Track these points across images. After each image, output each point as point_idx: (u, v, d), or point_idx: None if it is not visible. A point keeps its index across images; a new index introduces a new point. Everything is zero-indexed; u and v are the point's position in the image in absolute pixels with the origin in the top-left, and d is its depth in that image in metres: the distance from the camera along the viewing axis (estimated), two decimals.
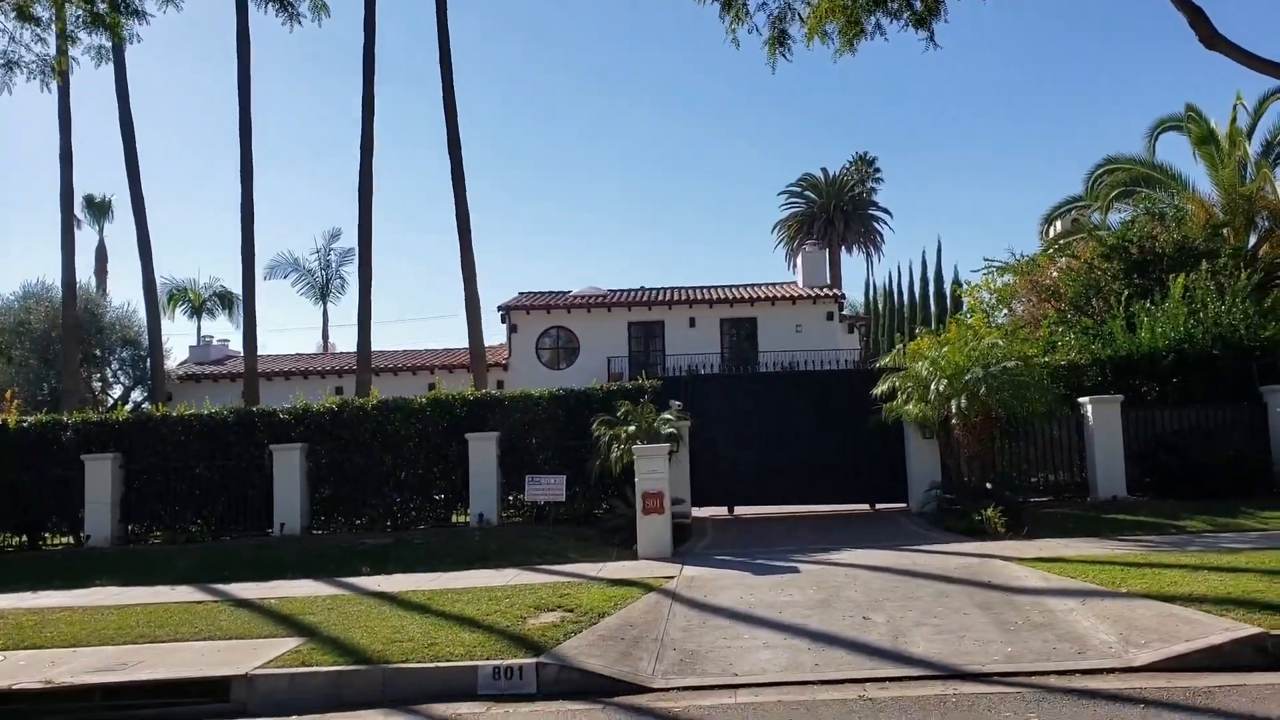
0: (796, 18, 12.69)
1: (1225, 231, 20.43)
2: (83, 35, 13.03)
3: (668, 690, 6.07)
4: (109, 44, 14.59)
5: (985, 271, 19.70)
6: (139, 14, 12.25)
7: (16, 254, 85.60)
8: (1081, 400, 12.95)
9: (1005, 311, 19.95)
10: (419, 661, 6.44)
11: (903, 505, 13.13)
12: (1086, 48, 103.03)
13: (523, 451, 13.15)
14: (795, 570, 9.35)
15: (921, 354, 11.86)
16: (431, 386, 26.61)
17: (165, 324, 28.81)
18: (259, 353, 34.59)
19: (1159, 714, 5.05)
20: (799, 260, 31.84)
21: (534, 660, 6.35)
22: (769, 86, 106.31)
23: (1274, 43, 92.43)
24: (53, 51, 12.67)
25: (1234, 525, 10.56)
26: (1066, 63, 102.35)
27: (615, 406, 12.40)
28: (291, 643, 7.07)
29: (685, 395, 13.34)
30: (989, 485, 11.30)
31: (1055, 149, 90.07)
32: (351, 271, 57.55)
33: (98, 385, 30.41)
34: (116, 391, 31.14)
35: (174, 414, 13.60)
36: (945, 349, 11.57)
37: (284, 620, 7.92)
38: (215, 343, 33.62)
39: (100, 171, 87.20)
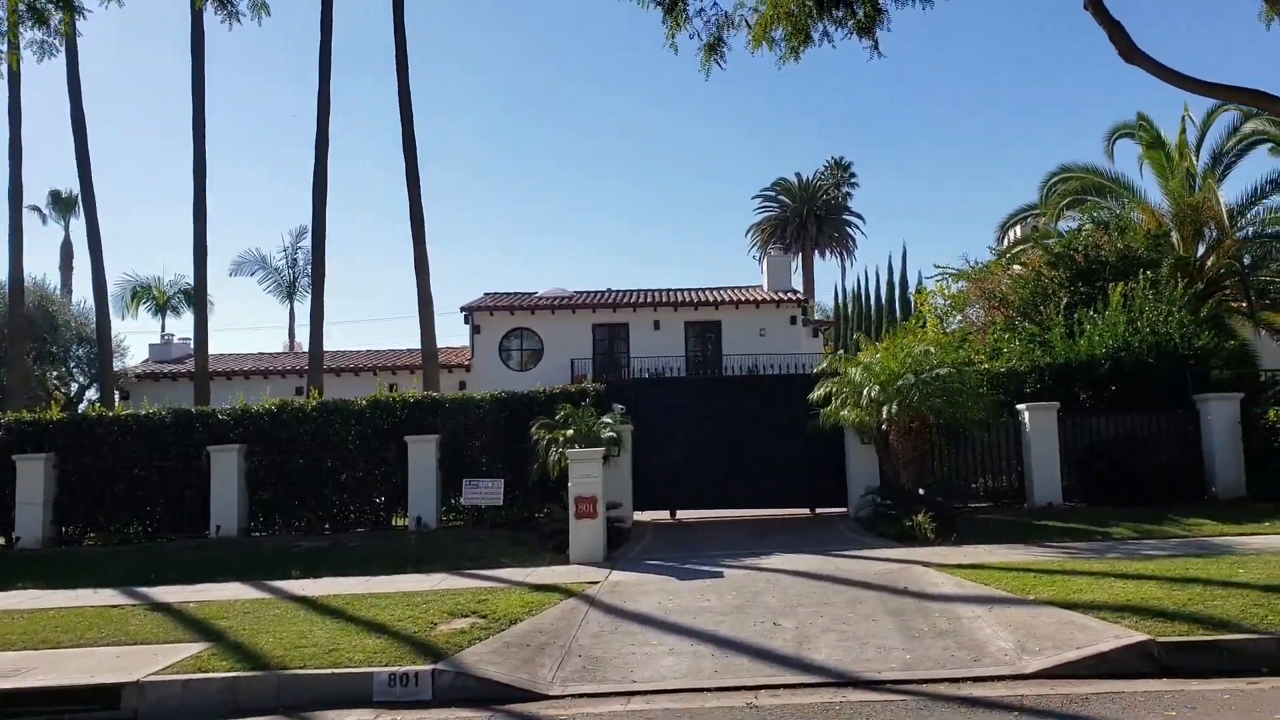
0: (744, 24, 12.78)
1: (1174, 240, 20.77)
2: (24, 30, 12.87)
3: (562, 698, 6.07)
4: (53, 39, 14.40)
5: (939, 278, 19.87)
6: (76, 9, 12.07)
7: None
8: (1020, 407, 13.08)
9: (959, 318, 20.16)
10: (317, 667, 6.40)
11: (843, 510, 13.20)
12: (1068, 49, 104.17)
13: (464, 455, 13.11)
14: (720, 575, 9.38)
15: (857, 360, 11.94)
16: (393, 387, 26.52)
17: (129, 322, 28.59)
18: (219, 352, 34.34)
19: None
20: (764, 264, 31.93)
21: (430, 667, 6.32)
22: (748, 88, 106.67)
23: (1212, 57, 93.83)
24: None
25: (1158, 532, 10.71)
26: (1047, 65, 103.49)
27: (557, 410, 12.39)
28: (195, 648, 7.00)
29: (630, 399, 13.35)
30: (922, 491, 11.38)
31: (1031, 153, 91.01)
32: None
33: (55, 383, 30.02)
34: (74, 390, 30.77)
35: (110, 414, 13.44)
36: (879, 355, 11.65)
37: (195, 625, 7.85)
38: (178, 341, 33.26)
39: (70, 167, 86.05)
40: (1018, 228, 25.06)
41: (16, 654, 7.13)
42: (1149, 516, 11.52)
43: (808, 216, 57.72)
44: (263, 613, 8.17)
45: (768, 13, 12.36)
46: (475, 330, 28.75)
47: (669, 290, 30.51)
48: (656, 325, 29.00)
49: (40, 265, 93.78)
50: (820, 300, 55.91)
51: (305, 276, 42.83)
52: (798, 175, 59.72)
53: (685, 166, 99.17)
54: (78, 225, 62.44)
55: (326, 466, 13.01)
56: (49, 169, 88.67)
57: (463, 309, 28.76)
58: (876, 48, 12.63)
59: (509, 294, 30.93)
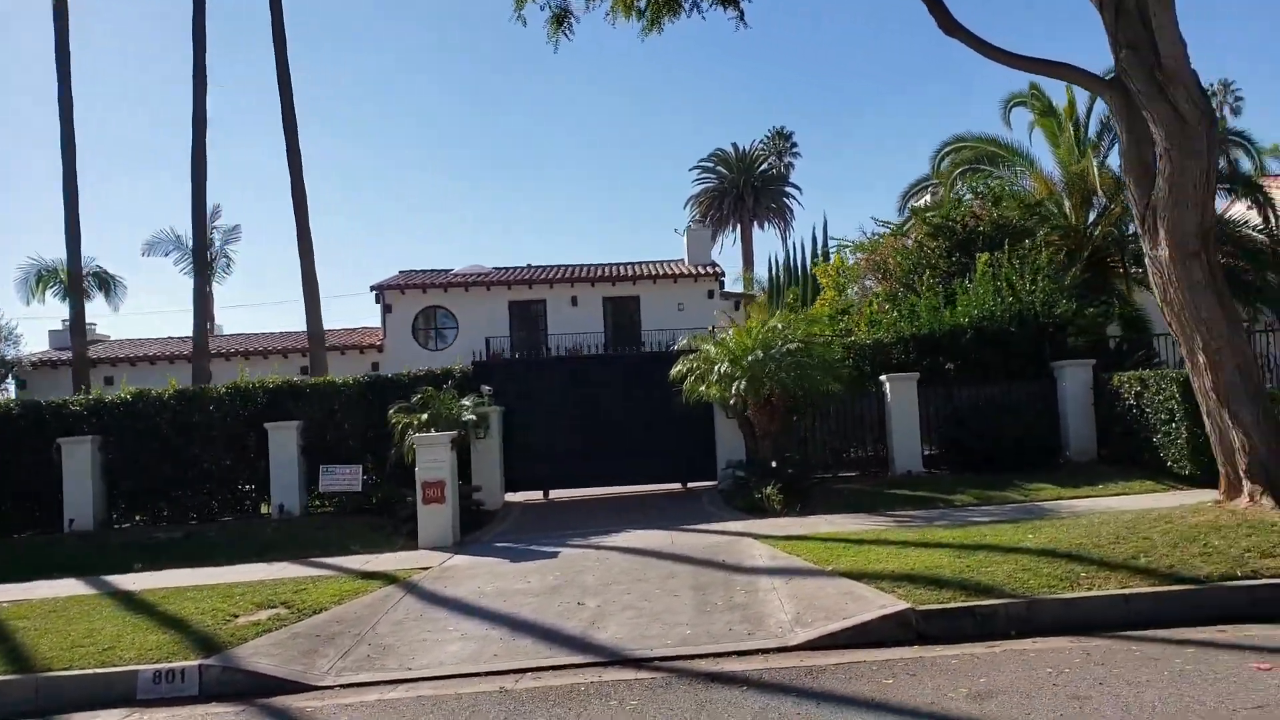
0: None
1: (1067, 209, 21.18)
2: None
3: (330, 688, 6.06)
4: None
5: (837, 250, 20.04)
6: None
7: None
8: (882, 378, 13.29)
9: (856, 289, 20.40)
10: (84, 668, 6.30)
11: (714, 484, 13.35)
12: (977, 15, 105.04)
13: (329, 440, 12.97)
14: (555, 555, 9.43)
15: (709, 337, 12.03)
16: (305, 370, 26.10)
17: (35, 306, 27.47)
18: (129, 336, 33.48)
19: (746, 694, 5.23)
20: (684, 237, 31.94)
21: (198, 662, 6.27)
22: (690, 56, 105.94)
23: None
24: None
25: (998, 498, 11.00)
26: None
27: (423, 393, 12.28)
28: None
29: (500, 380, 13.30)
30: (775, 464, 11.54)
31: (954, 123, 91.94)
32: (237, 250, 55.98)
33: None
34: None
35: None
36: (732, 331, 11.75)
37: None
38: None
39: None
40: (924, 197, 25.39)
41: None
42: (997, 483, 11.82)
43: (745, 187, 57.77)
44: (70, 610, 8.01)
45: None
46: (387, 310, 28.41)
47: (586, 265, 30.41)
48: (574, 301, 28.93)
49: None
50: (759, 273, 56.19)
51: (224, 257, 41.98)
52: (734, 146, 59.61)
53: (626, 143, 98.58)
54: None
55: (188, 455, 12.78)
56: None
57: (373, 288, 28.39)
58: (742, 18, 12.61)
59: (424, 272, 30.57)
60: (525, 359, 14.59)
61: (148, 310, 75.96)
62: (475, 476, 12.54)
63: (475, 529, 11.49)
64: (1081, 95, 21.93)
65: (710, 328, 13.67)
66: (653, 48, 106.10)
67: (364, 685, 6.09)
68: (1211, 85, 54.19)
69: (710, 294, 29.32)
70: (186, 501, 12.89)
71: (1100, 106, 22.19)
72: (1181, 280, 8.01)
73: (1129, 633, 6.02)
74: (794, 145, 65.48)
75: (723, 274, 29.81)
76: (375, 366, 26.64)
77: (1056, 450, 13.24)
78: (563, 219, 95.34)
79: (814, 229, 74.80)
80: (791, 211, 58.98)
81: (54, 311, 54.88)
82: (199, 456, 12.81)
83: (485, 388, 12.85)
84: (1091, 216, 21.51)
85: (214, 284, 42.34)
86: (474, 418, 12.02)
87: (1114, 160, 22.14)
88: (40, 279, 37.06)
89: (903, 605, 6.40)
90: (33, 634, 7.21)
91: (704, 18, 14.37)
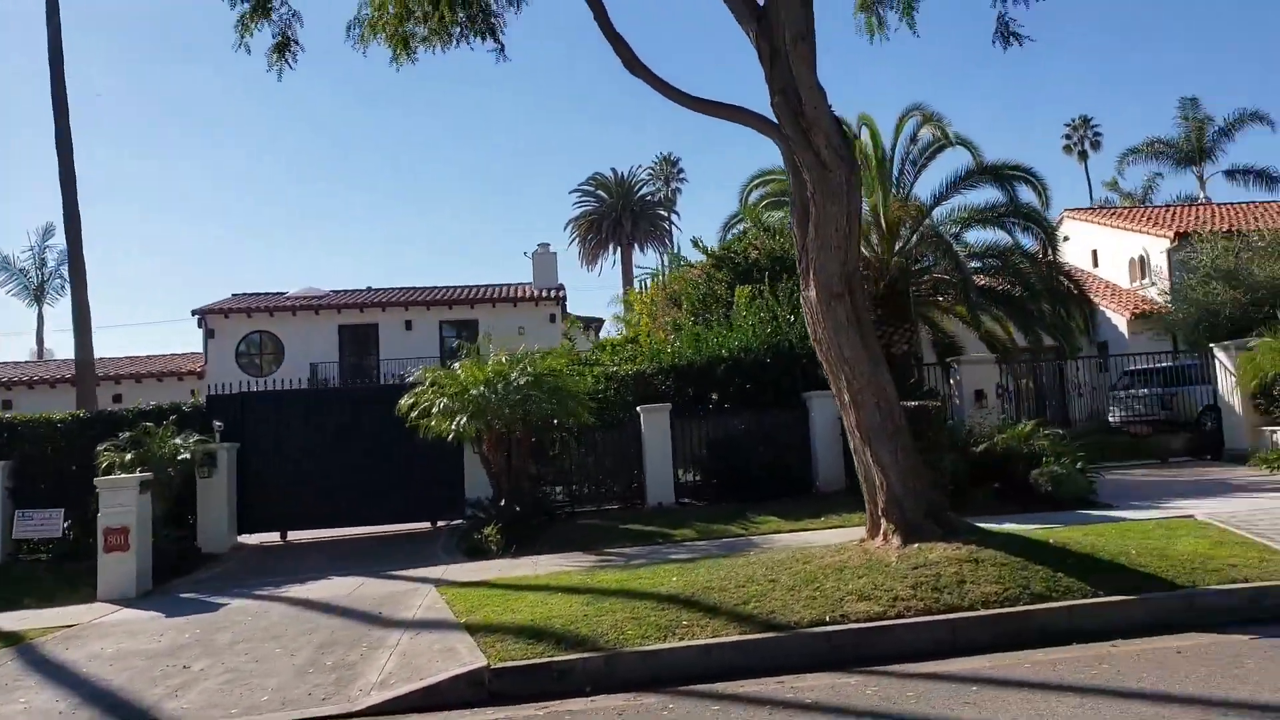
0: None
1: (874, 240, 21.80)
2: None
3: None
4: None
5: (641, 280, 20.08)
6: None
7: None
8: (638, 409, 13.24)
9: (665, 318, 20.50)
10: None
11: (461, 521, 12.99)
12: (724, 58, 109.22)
13: (45, 482, 12.08)
14: (220, 608, 8.91)
15: (435, 370, 11.74)
16: (117, 398, 24.62)
17: None
18: None
19: None
20: (531, 260, 31.62)
21: None
22: (588, 79, 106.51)
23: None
24: None
25: (720, 533, 10.99)
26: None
27: (136, 430, 11.56)
28: None
29: (236, 413, 12.67)
30: (503, 502, 11.28)
31: None
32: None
33: None
34: None
35: None
36: (457, 365, 11.51)
37: None
38: None
39: None
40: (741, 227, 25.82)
41: None
42: (733, 515, 11.86)
43: (624, 211, 58.01)
44: None
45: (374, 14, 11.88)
46: (209, 335, 27.10)
47: (422, 288, 29.76)
48: (409, 325, 28.23)
49: None
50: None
51: (58, 278, 39.60)
52: (614, 170, 59.96)
53: (514, 165, 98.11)
54: None
55: None
56: None
57: (195, 312, 27.06)
58: (502, 51, 12.44)
59: (255, 295, 29.36)
60: (266, 391, 13.88)
61: None
62: (201, 517, 11.87)
63: (180, 575, 10.81)
64: (886, 131, 22.74)
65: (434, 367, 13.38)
66: (555, 65, 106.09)
67: None
68: (1073, 120, 56.54)
69: (552, 318, 29.06)
70: None
71: (903, 142, 23.11)
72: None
73: (703, 685, 5.94)
74: (680, 171, 66.25)
75: (565, 297, 29.60)
76: (194, 394, 25.35)
77: (808, 481, 13.43)
78: (443, 245, 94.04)
79: (661, 257, 75.69)
80: (671, 236, 59.37)
81: None
82: None
83: (217, 423, 12.21)
84: (899, 247, 22.31)
85: (46, 306, 40.01)
86: (190, 456, 11.36)
87: (922, 191, 23.07)
88: None
89: (478, 663, 6.17)
90: None
91: (472, 48, 14.12)
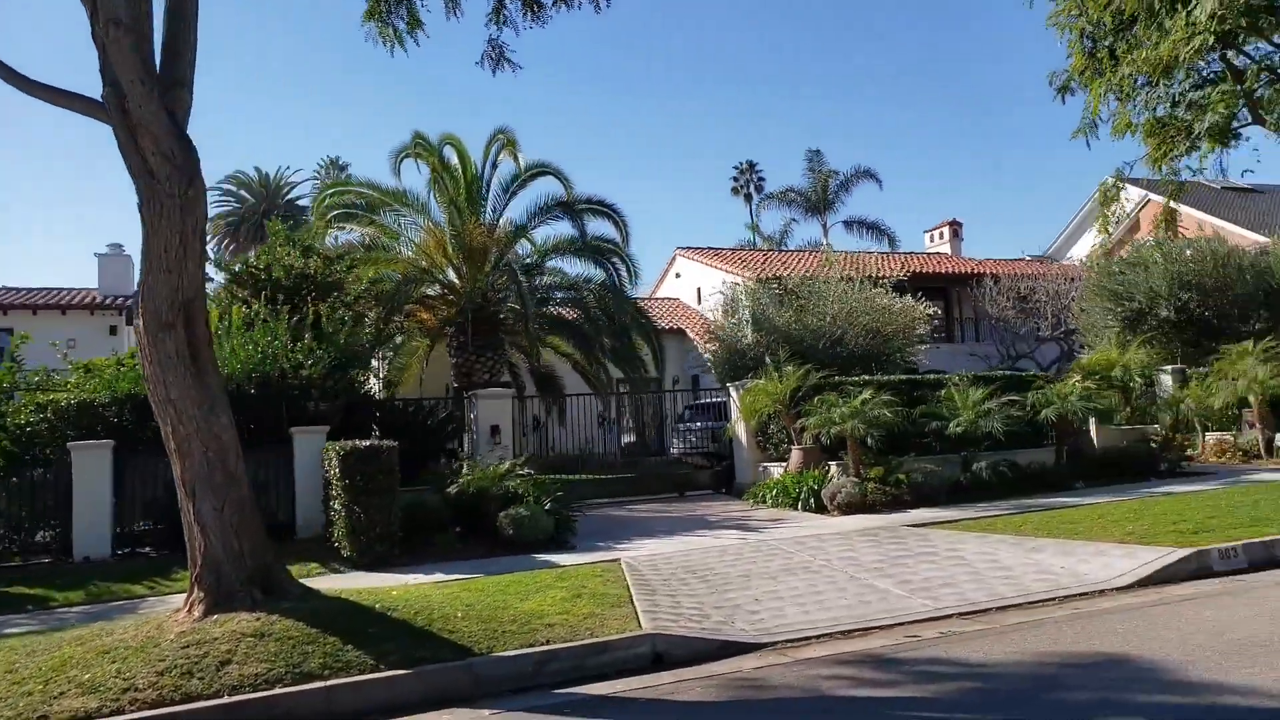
0: None
1: (458, 264, 21.28)
2: None
3: None
4: None
5: None
6: None
7: None
8: (70, 445, 11.21)
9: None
10: None
11: None
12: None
13: None
14: None
15: None
16: None
17: None
18: None
19: None
20: (98, 264, 27.40)
21: None
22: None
23: None
24: None
25: (119, 594, 9.37)
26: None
27: None
28: None
29: None
30: None
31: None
32: None
33: None
34: None
35: None
36: None
37: None
38: None
39: None
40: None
41: None
42: (156, 570, 10.29)
43: (270, 213, 53.53)
44: None
45: None
46: None
47: None
48: None
49: None
50: None
51: None
52: (257, 169, 55.36)
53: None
54: None
55: None
56: None
57: None
58: None
59: None
60: None
61: None
62: None
63: None
64: (476, 153, 22.44)
65: None
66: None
67: None
68: (740, 164, 60.99)
69: (113, 329, 25.25)
70: None
71: (501, 169, 22.94)
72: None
73: None
74: (347, 174, 62.81)
75: (126, 308, 25.83)
76: None
77: (292, 525, 12.19)
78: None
79: None
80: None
81: None
82: None
83: None
84: (489, 274, 22.00)
85: None
86: None
87: (517, 214, 23.01)
88: None
89: None
90: None
91: None
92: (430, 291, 21.12)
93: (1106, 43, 13.14)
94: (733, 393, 16.38)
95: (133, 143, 6.91)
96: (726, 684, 5.85)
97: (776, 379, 14.48)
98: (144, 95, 6.83)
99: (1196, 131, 13.13)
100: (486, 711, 5.72)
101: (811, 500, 12.96)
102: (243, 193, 55.59)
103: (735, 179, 61.20)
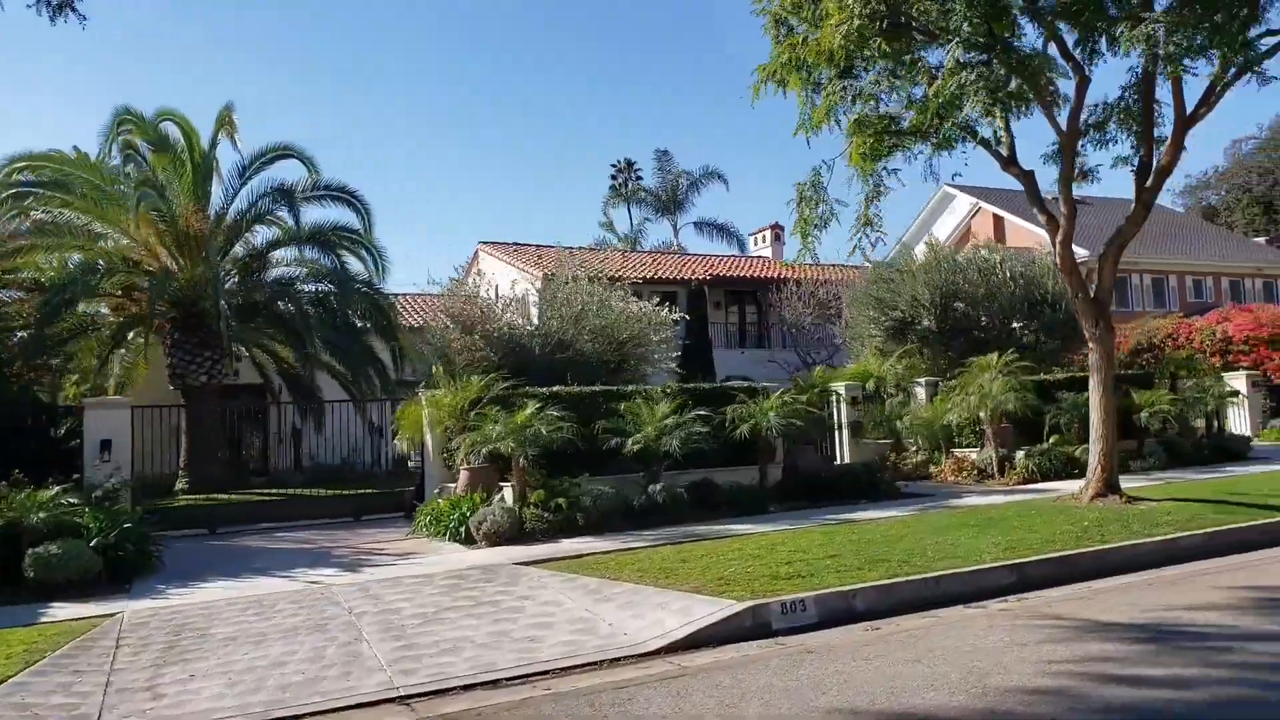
0: None
1: (174, 250, 18.95)
2: None
3: None
4: None
5: None
6: None
7: None
8: None
9: None
10: None
11: None
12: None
13: None
14: None
15: None
16: None
17: None
18: None
19: None
20: None
21: None
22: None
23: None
24: None
25: None
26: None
27: None
28: None
29: None
30: None
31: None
32: None
33: None
34: None
35: None
36: None
37: None
38: None
39: None
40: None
41: None
42: None
43: None
44: None
45: None
46: None
47: None
48: None
49: None
50: None
51: None
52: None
53: None
54: None
55: None
56: None
57: None
58: None
59: None
60: None
61: None
62: None
63: None
64: (206, 135, 20.08)
65: None
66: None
67: None
68: (618, 162, 57.72)
69: None
70: None
71: (243, 150, 20.55)
72: None
73: None
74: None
75: None
76: None
77: None
78: None
79: None
80: None
81: None
82: None
83: None
84: (218, 262, 19.69)
85: None
86: None
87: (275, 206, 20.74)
88: None
89: None
90: None
91: None
92: (143, 283, 18.73)
93: (801, 30, 12.11)
94: (424, 401, 14.66)
95: None
96: None
97: (454, 388, 12.92)
98: None
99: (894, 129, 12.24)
100: None
101: (462, 530, 11.42)
102: None
103: (614, 177, 59.30)
